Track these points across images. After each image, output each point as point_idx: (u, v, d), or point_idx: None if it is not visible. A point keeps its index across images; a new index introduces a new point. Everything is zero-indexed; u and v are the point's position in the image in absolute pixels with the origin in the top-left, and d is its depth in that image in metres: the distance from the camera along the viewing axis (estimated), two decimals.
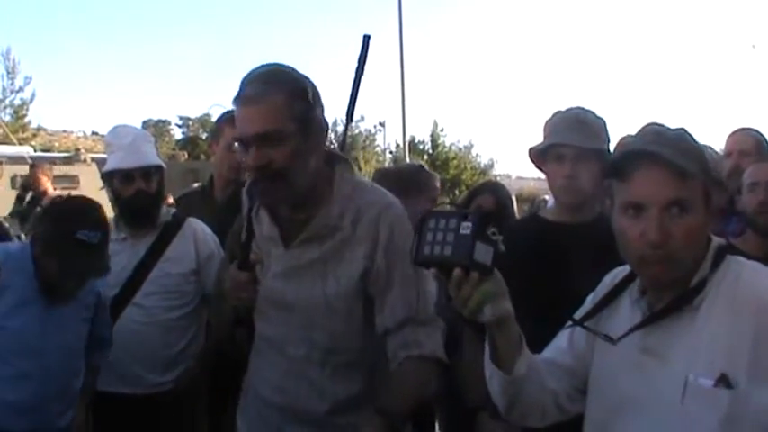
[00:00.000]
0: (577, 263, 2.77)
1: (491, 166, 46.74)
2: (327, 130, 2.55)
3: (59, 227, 3.09)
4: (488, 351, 2.00)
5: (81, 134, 49.70)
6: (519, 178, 46.98)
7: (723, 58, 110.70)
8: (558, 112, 3.07)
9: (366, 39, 2.66)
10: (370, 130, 42.96)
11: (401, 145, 32.50)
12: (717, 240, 1.93)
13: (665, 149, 1.83)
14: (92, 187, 13.42)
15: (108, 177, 3.71)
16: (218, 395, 3.73)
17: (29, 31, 78.78)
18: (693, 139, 1.95)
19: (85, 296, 3.31)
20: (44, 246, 3.12)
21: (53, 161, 17.04)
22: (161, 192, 3.77)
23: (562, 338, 2.18)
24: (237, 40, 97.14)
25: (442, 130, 44.68)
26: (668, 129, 1.95)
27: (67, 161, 16.59)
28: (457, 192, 40.95)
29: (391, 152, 44.14)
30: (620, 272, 2.10)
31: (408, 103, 27.88)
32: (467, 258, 1.79)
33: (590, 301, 2.16)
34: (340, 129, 30.91)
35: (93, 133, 48.37)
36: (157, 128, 44.00)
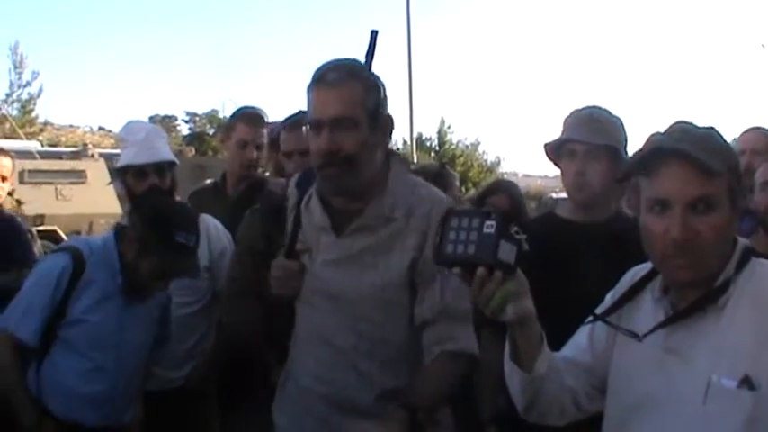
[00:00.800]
0: (586, 262, 2.78)
1: (498, 163, 46.69)
2: (393, 129, 2.63)
3: (158, 229, 3.14)
4: (509, 349, 2.00)
5: (88, 129, 49.70)
6: (525, 176, 47.02)
7: (733, 57, 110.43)
8: (576, 110, 3.07)
9: (374, 34, 2.65)
10: None
11: (408, 142, 32.53)
12: (743, 241, 1.93)
13: (691, 147, 1.82)
14: (99, 182, 13.49)
15: (121, 173, 3.70)
16: (228, 393, 3.74)
17: (36, 25, 78.72)
18: (722, 137, 1.94)
19: (159, 296, 3.39)
20: (141, 246, 3.17)
21: (60, 156, 17.10)
22: (174, 187, 3.76)
23: (582, 336, 2.17)
24: (243, 36, 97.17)
25: (449, 128, 44.59)
26: (696, 127, 1.95)
27: (75, 156, 16.58)
28: (463, 189, 40.95)
29: (398, 149, 44.10)
30: (641, 269, 2.09)
31: (415, 100, 27.94)
32: (491, 257, 1.79)
33: (610, 298, 2.16)
34: None
35: (100, 128, 48.39)
36: (164, 123, 43.90)
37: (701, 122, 1.98)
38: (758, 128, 4.32)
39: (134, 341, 3.30)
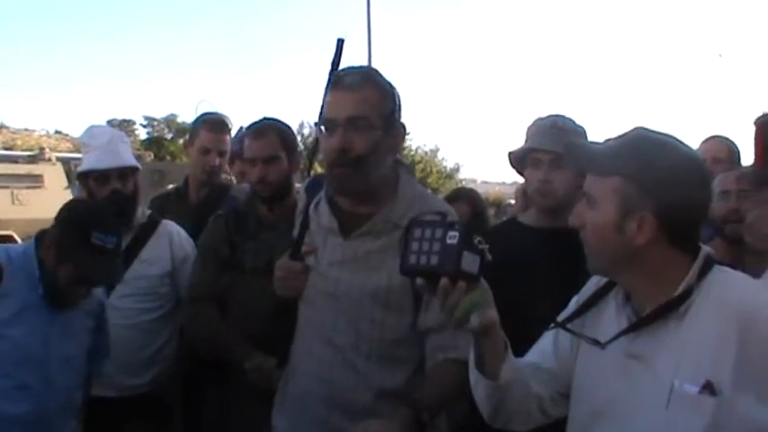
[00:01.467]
0: (549, 267, 2.81)
1: (457, 170, 46.93)
2: (405, 137, 2.73)
3: (73, 231, 2.94)
4: (473, 358, 2.02)
5: (44, 132, 49.10)
6: (484, 182, 47.20)
7: (692, 66, 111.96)
8: (539, 119, 3.11)
9: (339, 42, 2.70)
10: None
11: None
12: (705, 249, 1.96)
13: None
14: (57, 186, 13.34)
15: (83, 177, 3.68)
16: (193, 399, 3.72)
17: None
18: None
19: (90, 304, 3.17)
20: (57, 251, 2.94)
21: (17, 160, 16.86)
22: (137, 192, 3.74)
23: (546, 341, 2.20)
24: (199, 41, 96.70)
25: (408, 134, 44.57)
26: (654, 133, 2.00)
27: (32, 160, 16.34)
28: None
29: None
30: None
31: None
32: (454, 268, 1.81)
33: (574, 303, 2.19)
34: (305, 132, 30.98)
35: (57, 132, 47.83)
36: (122, 127, 43.30)
37: (660, 129, 2.02)
38: (719, 136, 4.38)
39: (64, 355, 3.06)
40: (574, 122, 3.09)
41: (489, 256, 1.85)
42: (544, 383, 2.13)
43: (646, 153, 1.92)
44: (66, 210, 3.08)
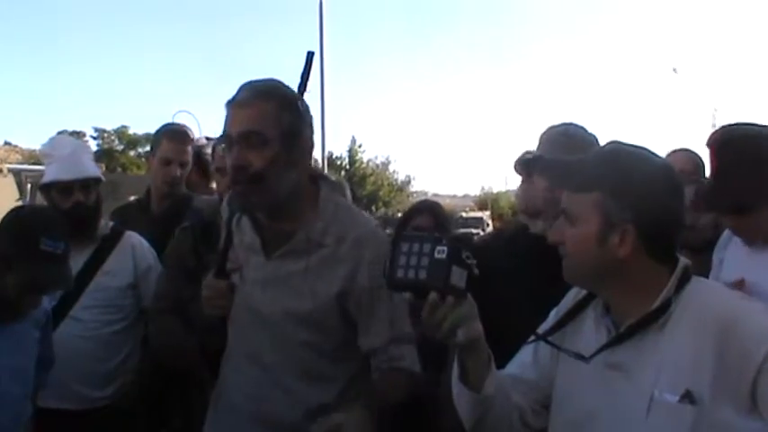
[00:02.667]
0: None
1: (408, 182, 47.19)
2: (312, 149, 2.65)
3: (21, 238, 2.86)
4: (457, 371, 2.02)
5: None
6: (435, 195, 47.50)
7: (646, 80, 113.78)
8: (551, 127, 3.10)
9: (309, 55, 2.67)
10: None
11: (319, 160, 32.55)
12: (683, 260, 1.98)
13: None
14: (9, 198, 13.11)
15: (45, 189, 3.66)
16: (156, 411, 3.70)
17: None
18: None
19: (36, 314, 3.10)
20: (4, 260, 2.85)
21: None
22: (99, 204, 3.72)
23: (527, 353, 2.21)
24: (152, 51, 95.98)
25: (359, 146, 44.82)
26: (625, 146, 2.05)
27: None
28: (374, 208, 41.14)
29: None
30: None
31: (327, 118, 28.00)
32: (443, 282, 1.81)
33: (553, 315, 2.20)
34: None
35: (6, 143, 47.14)
36: None
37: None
38: (684, 149, 4.42)
39: (14, 366, 3.00)
40: (585, 130, 3.07)
41: (477, 271, 1.86)
42: (525, 394, 2.14)
43: (623, 167, 1.95)
44: (12, 218, 3.01)
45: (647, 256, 1.94)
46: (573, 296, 2.18)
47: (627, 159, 1.98)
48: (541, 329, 2.16)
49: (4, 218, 3.00)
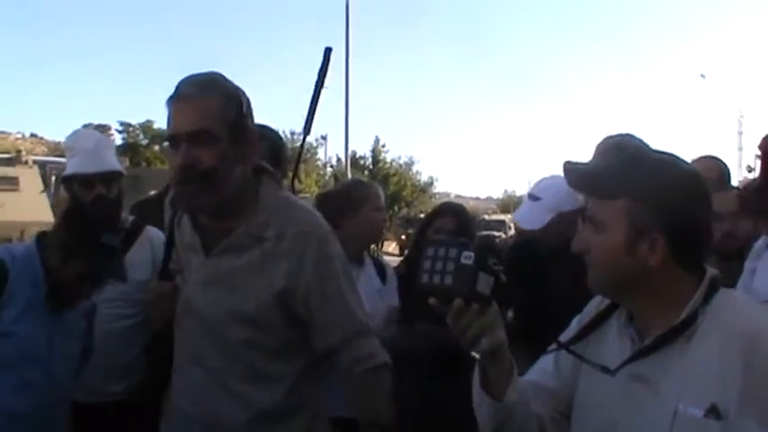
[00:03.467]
0: None
1: (431, 183, 47.10)
2: (256, 142, 2.57)
3: (81, 231, 2.98)
4: (479, 378, 1.98)
5: (20, 135, 48.81)
6: (458, 197, 47.47)
7: (674, 86, 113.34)
8: (608, 137, 3.10)
9: (327, 51, 2.67)
10: (311, 144, 43.00)
11: (342, 159, 32.62)
12: (711, 271, 1.93)
13: None
14: (33, 190, 13.29)
15: (68, 181, 3.67)
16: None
17: None
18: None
19: (85, 304, 3.19)
20: (63, 251, 2.97)
21: None
22: (121, 197, 3.73)
23: (547, 361, 2.17)
24: (183, 47, 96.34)
25: (383, 146, 44.85)
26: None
27: (8, 162, 16.26)
28: (396, 207, 41.14)
29: (332, 166, 44.21)
30: None
31: (351, 118, 28.05)
32: (469, 289, 1.78)
33: (576, 324, 2.16)
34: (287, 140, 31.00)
35: (32, 135, 47.54)
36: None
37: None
38: (709, 156, 4.38)
39: (66, 352, 3.12)
40: (642, 141, 3.06)
41: (504, 278, 1.82)
42: (545, 403, 2.09)
43: (650, 173, 1.91)
44: (76, 209, 3.16)
45: (675, 265, 1.89)
46: (596, 305, 2.14)
47: (654, 165, 1.94)
48: (563, 338, 2.12)
49: (68, 209, 3.13)
